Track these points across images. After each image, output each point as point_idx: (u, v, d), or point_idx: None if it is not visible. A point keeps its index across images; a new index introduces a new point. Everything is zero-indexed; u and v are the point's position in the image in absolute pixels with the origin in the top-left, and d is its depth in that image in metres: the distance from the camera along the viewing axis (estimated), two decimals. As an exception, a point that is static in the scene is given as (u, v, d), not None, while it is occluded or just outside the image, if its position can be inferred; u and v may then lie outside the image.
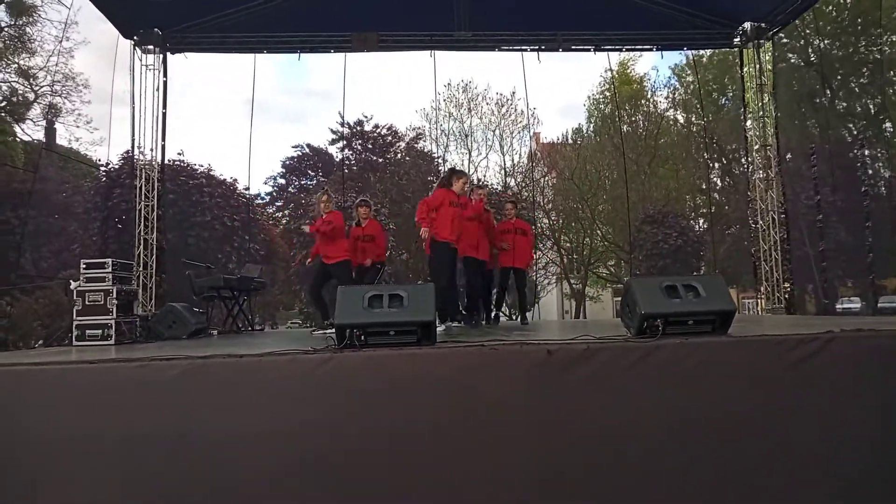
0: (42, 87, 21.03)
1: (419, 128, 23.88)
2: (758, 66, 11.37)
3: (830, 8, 20.67)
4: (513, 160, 23.86)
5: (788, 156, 17.50)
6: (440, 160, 22.62)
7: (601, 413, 3.68)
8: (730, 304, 4.16)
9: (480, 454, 3.61)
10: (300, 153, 25.05)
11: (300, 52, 11.38)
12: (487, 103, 23.52)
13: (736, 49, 11.99)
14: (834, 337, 3.79)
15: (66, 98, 21.30)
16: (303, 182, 25.46)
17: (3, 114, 20.69)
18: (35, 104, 21.42)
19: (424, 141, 23.91)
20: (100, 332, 6.53)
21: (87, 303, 6.61)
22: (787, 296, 11.02)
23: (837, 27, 21.28)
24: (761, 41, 11.30)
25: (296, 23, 10.75)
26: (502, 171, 23.49)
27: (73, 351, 5.79)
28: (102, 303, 6.61)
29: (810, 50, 21.31)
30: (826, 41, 20.00)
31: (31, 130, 21.70)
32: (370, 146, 24.03)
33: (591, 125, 24.89)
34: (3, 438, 3.59)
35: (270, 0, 10.40)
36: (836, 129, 20.51)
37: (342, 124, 23.22)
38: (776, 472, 3.66)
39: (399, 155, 24.08)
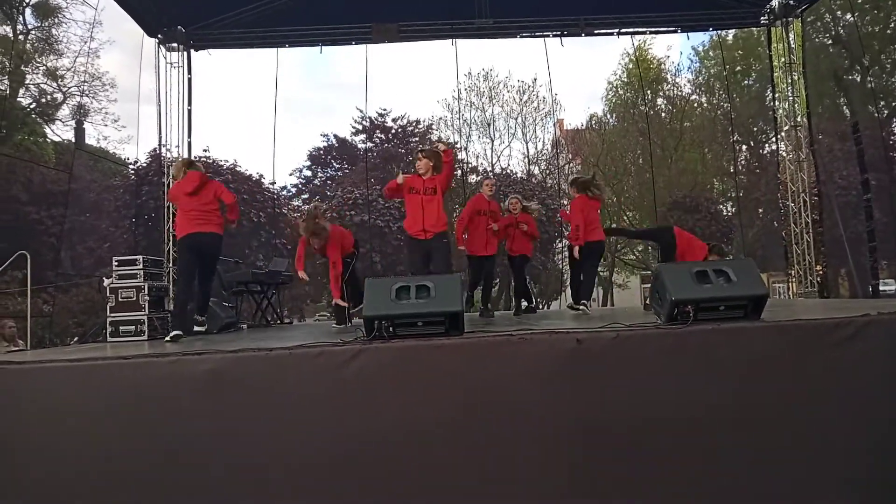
0: (70, 87, 21.36)
1: (440, 118, 23.79)
2: (786, 44, 11.13)
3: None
4: (536, 148, 23.71)
5: (819, 136, 17.12)
6: (462, 150, 22.56)
7: (633, 401, 3.65)
8: (762, 289, 4.09)
9: (511, 444, 3.61)
10: (326, 144, 25.14)
11: (322, 45, 11.40)
12: (509, 91, 23.38)
13: (763, 28, 11.75)
14: (871, 320, 3.71)
15: (93, 97, 21.61)
16: (328, 173, 25.56)
17: (33, 115, 21.06)
18: (64, 105, 21.78)
19: (438, 130, 23.81)
20: (133, 327, 6.65)
21: (120, 299, 6.73)
22: (819, 279, 10.82)
23: (867, 1, 20.70)
24: (789, 19, 11.05)
25: (317, 16, 10.78)
26: (525, 159, 23.36)
27: (107, 347, 5.90)
28: (135, 299, 6.73)
29: (840, 26, 20.77)
30: (855, 13, 19.42)
31: (60, 131, 22.10)
32: (391, 136, 24.01)
33: (612, 111, 24.58)
34: (40, 434, 3.67)
35: (291, -6, 10.44)
36: (867, 106, 19.96)
37: (362, 118, 23.25)
38: (812, 458, 3.61)
39: (422, 146, 24.03)
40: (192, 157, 11.78)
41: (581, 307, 7.11)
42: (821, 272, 10.90)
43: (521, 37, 11.64)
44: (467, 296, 7.92)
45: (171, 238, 10.72)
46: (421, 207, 6.13)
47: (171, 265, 10.44)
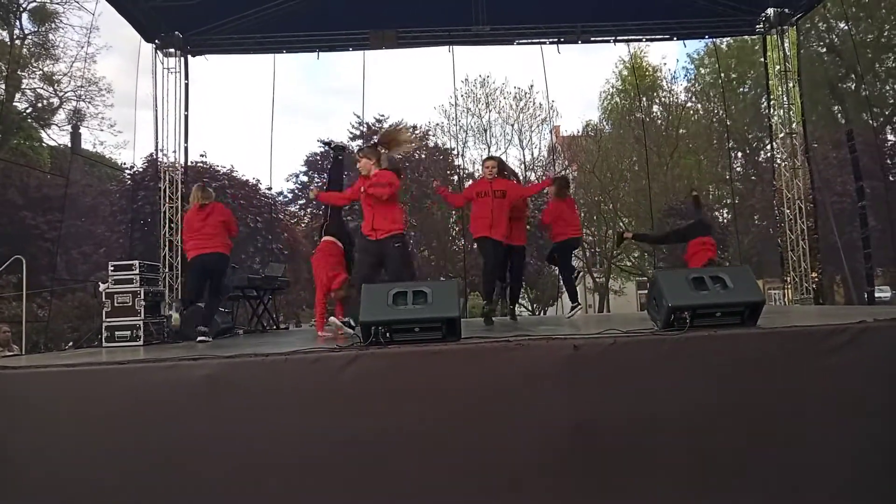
0: (66, 92, 21.35)
1: (437, 124, 23.80)
2: (781, 52, 11.19)
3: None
4: (532, 154, 23.75)
5: (814, 144, 17.19)
6: (459, 156, 22.63)
7: (629, 407, 3.65)
8: (758, 295, 4.11)
9: (508, 449, 3.61)
10: (323, 150, 25.09)
11: (319, 52, 11.42)
12: (505, 97, 23.42)
13: (759, 36, 11.82)
14: (867, 327, 3.73)
15: (89, 102, 21.59)
16: (324, 178, 25.49)
17: (29, 119, 21.04)
18: (60, 109, 21.77)
19: (435, 137, 23.82)
20: (129, 333, 6.61)
21: (115, 304, 6.69)
22: (815, 286, 10.84)
23: (861, 10, 20.85)
24: (784, 27, 11.12)
25: (314, 22, 10.76)
26: (522, 166, 23.39)
27: (103, 352, 5.88)
28: (131, 304, 6.69)
29: (834, 35, 20.91)
30: (849, 22, 19.55)
31: (56, 135, 22.09)
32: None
33: (608, 117, 24.66)
34: (36, 439, 3.65)
35: (288, 0, 10.44)
36: (862, 114, 20.08)
37: (360, 124, 23.26)
38: (808, 463, 3.61)
39: (418, 153, 24.03)
40: (190, 162, 11.79)
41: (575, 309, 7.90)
42: (816, 279, 10.93)
43: (518, 43, 11.67)
44: (498, 290, 7.16)
45: (167, 243, 10.70)
46: (370, 207, 5.77)
47: (167, 270, 10.43)
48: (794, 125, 11.25)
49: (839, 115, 21.51)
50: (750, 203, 21.50)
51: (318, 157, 25.16)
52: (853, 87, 21.08)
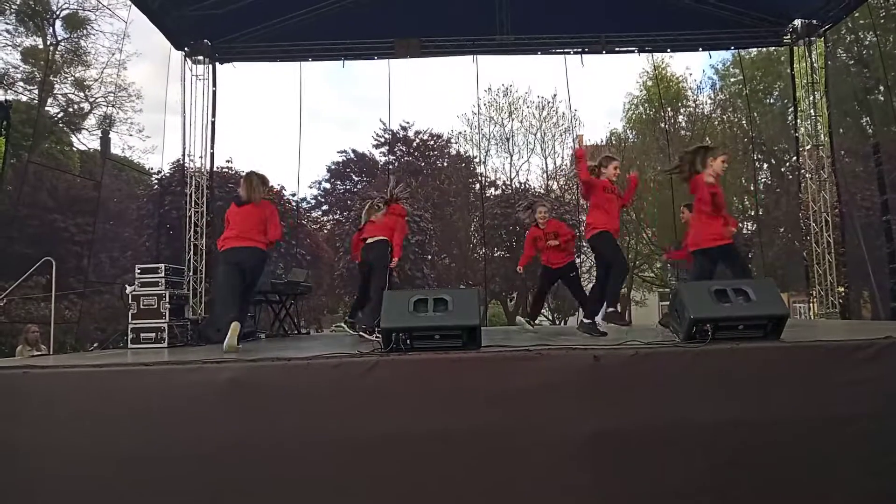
0: (96, 97, 21.75)
1: (459, 133, 23.87)
2: (809, 63, 11.09)
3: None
4: (555, 163, 23.71)
5: (843, 156, 16.95)
6: (481, 164, 22.67)
7: (649, 419, 3.64)
8: (782, 309, 4.07)
9: (526, 460, 3.61)
10: (345, 158, 25.30)
11: (344, 60, 11.55)
12: (528, 106, 23.43)
13: (785, 47, 11.73)
14: (892, 342, 3.68)
15: (118, 108, 21.97)
16: (347, 186, 25.70)
17: (60, 124, 21.46)
18: (90, 114, 22.18)
19: (457, 145, 23.88)
20: (153, 335, 6.71)
21: (141, 307, 6.80)
22: (841, 300, 10.68)
23: (891, 21, 20.53)
24: (812, 38, 11.02)
25: (340, 31, 10.92)
26: (544, 175, 23.37)
27: (128, 353, 5.97)
28: (156, 307, 6.79)
29: (862, 46, 20.60)
30: (878, 33, 19.23)
31: (86, 140, 22.51)
32: (412, 150, 24.13)
33: (632, 126, 24.52)
34: (61, 437, 3.72)
35: (315, 9, 10.58)
36: (889, 127, 19.74)
37: (385, 130, 23.41)
38: (830, 478, 3.57)
39: (441, 161, 24.11)
40: (216, 168, 11.93)
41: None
42: (843, 293, 10.76)
43: (542, 53, 11.70)
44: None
45: (192, 247, 10.86)
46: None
47: (192, 274, 10.57)
48: (821, 137, 11.13)
49: (868, 127, 21.19)
50: (775, 215, 21.22)
51: (341, 165, 25.38)
52: (882, 100, 20.74)
